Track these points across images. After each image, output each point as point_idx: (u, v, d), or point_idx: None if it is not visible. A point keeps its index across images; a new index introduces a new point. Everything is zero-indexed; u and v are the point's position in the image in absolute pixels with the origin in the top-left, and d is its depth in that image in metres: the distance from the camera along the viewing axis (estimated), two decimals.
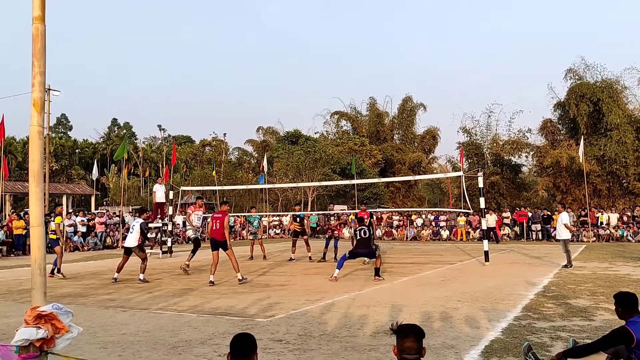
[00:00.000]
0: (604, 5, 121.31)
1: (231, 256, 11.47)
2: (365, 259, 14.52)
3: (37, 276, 2.83)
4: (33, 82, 2.98)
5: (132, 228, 12.58)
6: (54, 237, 13.93)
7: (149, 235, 21.84)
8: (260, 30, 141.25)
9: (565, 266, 13.33)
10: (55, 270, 13.25)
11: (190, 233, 15.01)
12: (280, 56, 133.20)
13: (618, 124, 31.08)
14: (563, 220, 13.90)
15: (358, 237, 12.23)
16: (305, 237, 17.10)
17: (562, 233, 13.83)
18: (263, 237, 20.47)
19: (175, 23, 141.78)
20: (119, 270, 12.25)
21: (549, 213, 27.58)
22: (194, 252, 14.41)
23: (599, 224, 26.74)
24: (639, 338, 3.91)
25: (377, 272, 11.69)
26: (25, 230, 21.39)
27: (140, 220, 12.55)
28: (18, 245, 21.72)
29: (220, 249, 11.58)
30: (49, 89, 30.11)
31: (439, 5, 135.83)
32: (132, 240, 12.40)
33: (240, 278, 11.34)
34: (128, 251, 12.47)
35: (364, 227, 12.26)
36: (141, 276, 12.03)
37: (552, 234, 26.01)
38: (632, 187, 31.42)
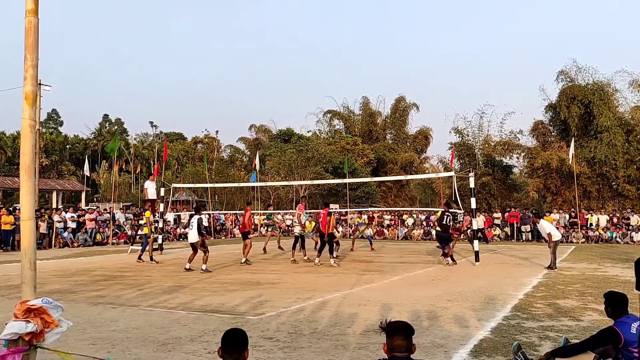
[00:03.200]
0: (596, 9, 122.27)
1: (248, 245, 14.92)
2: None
3: (27, 270, 2.81)
4: (25, 76, 2.95)
5: (191, 224, 13.85)
6: (147, 230, 16.38)
7: (139, 232, 21.79)
8: (254, 28, 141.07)
9: (549, 267, 13.38)
10: (140, 257, 15.83)
11: (297, 230, 16.67)
12: (273, 54, 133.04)
13: (608, 126, 31.31)
14: (546, 229, 13.94)
15: (442, 222, 14.72)
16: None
17: (554, 235, 13.84)
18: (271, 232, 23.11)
19: (168, 19, 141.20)
20: (189, 260, 13.57)
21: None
22: (294, 247, 16.35)
23: (588, 226, 26.95)
24: (627, 338, 3.94)
25: (451, 258, 14.59)
26: (14, 226, 21.20)
27: (198, 217, 13.82)
28: (6, 240, 21.53)
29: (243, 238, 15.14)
30: (40, 84, 29.87)
31: (433, 7, 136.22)
32: (193, 235, 13.66)
33: (244, 260, 14.76)
34: (193, 246, 13.81)
35: (449, 214, 14.79)
36: (203, 267, 13.19)
37: (542, 235, 26.22)
38: (621, 189, 31.68)
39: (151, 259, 15.88)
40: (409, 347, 2.88)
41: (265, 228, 20.56)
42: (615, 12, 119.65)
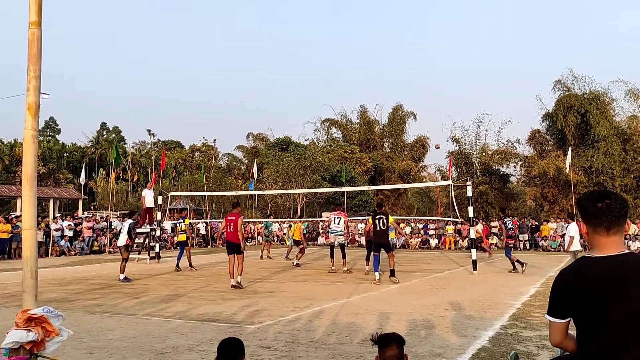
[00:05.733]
0: (592, 19, 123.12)
1: (240, 260, 11.61)
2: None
3: (29, 279, 2.82)
4: (28, 87, 2.98)
5: (123, 229, 13.71)
6: (184, 237, 16.34)
7: (137, 240, 21.75)
8: (252, 37, 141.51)
9: None
10: (189, 265, 15.72)
11: (339, 239, 15.26)
12: (271, 63, 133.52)
13: (605, 135, 31.44)
14: (570, 232, 13.29)
15: (377, 228, 12.59)
16: (301, 245, 18.07)
17: (572, 244, 13.20)
18: (273, 242, 24.58)
19: (166, 27, 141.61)
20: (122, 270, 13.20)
21: (537, 223, 27.82)
22: (333, 255, 15.39)
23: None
24: None
25: (392, 273, 12.55)
26: (11, 234, 21.10)
27: (130, 221, 13.66)
28: (2, 249, 21.40)
29: (235, 252, 11.74)
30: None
31: (431, 17, 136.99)
32: (121, 239, 13.51)
33: (239, 282, 11.48)
34: (123, 248, 13.50)
35: (382, 216, 12.64)
36: (121, 276, 12.81)
37: (539, 244, 26.25)
38: None
39: (190, 265, 15.92)
40: (401, 357, 2.90)
41: (263, 237, 21.03)
42: (611, 23, 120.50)
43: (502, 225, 15.88)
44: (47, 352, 2.79)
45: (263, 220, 24.40)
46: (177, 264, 15.92)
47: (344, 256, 15.08)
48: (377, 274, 12.47)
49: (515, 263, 15.16)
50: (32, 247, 2.90)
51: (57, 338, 2.82)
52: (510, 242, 15.61)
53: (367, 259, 14.72)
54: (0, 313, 8.43)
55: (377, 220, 12.61)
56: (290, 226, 22.95)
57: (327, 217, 16.71)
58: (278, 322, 7.55)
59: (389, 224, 12.88)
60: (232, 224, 11.77)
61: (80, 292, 11.04)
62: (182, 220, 17.32)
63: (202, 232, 31.97)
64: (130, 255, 19.79)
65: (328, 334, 6.70)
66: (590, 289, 2.19)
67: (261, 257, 20.17)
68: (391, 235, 22.64)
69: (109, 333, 6.84)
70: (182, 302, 9.60)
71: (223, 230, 12.73)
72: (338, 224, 15.20)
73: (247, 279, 13.59)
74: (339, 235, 15.19)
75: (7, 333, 2.74)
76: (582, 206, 2.34)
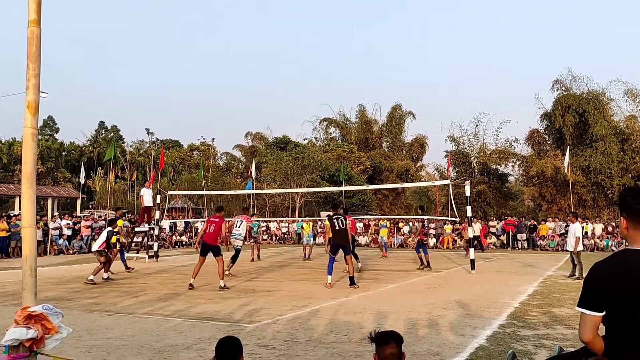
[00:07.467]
0: (591, 18, 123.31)
1: (220, 263, 11.28)
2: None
3: (28, 277, 2.83)
4: (27, 85, 2.99)
5: (102, 234, 13.69)
6: (115, 239, 15.09)
7: (135, 239, 21.76)
8: (250, 37, 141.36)
9: (573, 276, 13.02)
10: (126, 266, 15.17)
11: (240, 243, 14.54)
12: (270, 62, 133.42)
13: (603, 135, 31.52)
14: (576, 233, 13.39)
15: (336, 227, 11.65)
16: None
17: (574, 244, 13.28)
18: (262, 241, 23.49)
19: (165, 27, 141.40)
20: (106, 270, 13.03)
21: (535, 222, 27.86)
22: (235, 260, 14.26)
23: (583, 234, 26.98)
24: None
25: (352, 280, 11.37)
26: (9, 233, 21.08)
27: (109, 229, 13.66)
28: (1, 248, 21.36)
29: (210, 253, 11.39)
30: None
31: (432, 16, 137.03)
32: (95, 244, 13.51)
33: (222, 285, 11.18)
34: (97, 253, 13.37)
35: (340, 216, 11.76)
36: (90, 277, 12.39)
37: (538, 243, 26.28)
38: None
39: (126, 267, 15.23)
40: (399, 355, 2.91)
41: (249, 239, 20.05)
42: (610, 23, 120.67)
43: (421, 223, 16.22)
44: (47, 349, 2.80)
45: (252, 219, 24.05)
46: (125, 265, 15.24)
47: (232, 260, 14.01)
48: (329, 277, 11.53)
49: (422, 259, 15.96)
50: (31, 245, 2.91)
51: (56, 335, 2.83)
52: (424, 239, 16.18)
53: (355, 257, 14.76)
54: None
55: (334, 221, 11.69)
56: (303, 226, 22.54)
57: (234, 220, 15.81)
58: (276, 321, 7.56)
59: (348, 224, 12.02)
60: (213, 224, 11.48)
61: (79, 291, 11.05)
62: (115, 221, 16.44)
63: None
64: (129, 254, 19.89)
65: (326, 332, 6.71)
66: (637, 279, 2.22)
67: (252, 259, 19.02)
68: (382, 232, 22.50)
69: (108, 332, 6.85)
70: (181, 300, 9.60)
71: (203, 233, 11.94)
72: (239, 227, 14.54)
73: (245, 277, 13.61)
74: (237, 238, 14.47)
75: (7, 330, 2.75)
76: (627, 203, 2.39)
